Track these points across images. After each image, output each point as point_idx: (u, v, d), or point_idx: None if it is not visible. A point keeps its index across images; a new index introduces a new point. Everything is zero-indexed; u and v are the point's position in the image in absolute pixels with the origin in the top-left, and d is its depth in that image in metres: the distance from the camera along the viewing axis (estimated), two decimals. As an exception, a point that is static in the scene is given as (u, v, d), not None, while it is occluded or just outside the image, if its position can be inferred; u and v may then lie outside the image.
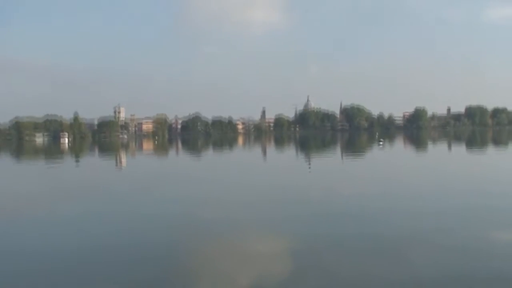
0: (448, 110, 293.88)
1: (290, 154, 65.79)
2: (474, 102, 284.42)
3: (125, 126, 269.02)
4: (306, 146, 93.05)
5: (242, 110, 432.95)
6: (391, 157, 55.49)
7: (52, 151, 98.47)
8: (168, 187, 29.32)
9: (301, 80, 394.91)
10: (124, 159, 66.07)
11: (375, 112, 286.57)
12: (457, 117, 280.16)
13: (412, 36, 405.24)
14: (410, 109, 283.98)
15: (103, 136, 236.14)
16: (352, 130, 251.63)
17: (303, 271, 11.51)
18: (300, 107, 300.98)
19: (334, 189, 26.37)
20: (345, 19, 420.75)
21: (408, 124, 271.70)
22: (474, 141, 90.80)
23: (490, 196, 21.56)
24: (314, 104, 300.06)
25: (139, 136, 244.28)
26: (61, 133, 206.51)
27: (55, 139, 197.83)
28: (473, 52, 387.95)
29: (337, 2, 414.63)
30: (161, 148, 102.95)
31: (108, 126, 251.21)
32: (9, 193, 29.03)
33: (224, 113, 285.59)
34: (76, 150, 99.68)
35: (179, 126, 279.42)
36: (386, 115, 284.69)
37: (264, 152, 75.79)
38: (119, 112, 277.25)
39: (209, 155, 66.27)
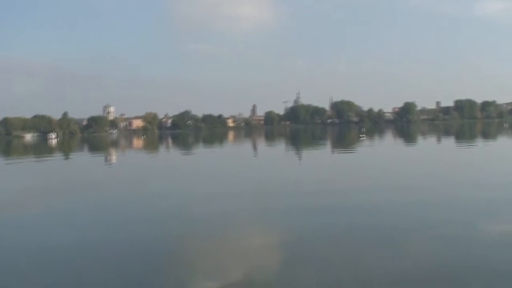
0: (438, 103, 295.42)
1: (280, 149, 65.77)
2: (463, 95, 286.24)
3: (114, 124, 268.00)
4: (296, 140, 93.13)
5: (233, 107, 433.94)
6: (376, 150, 55.52)
7: (39, 149, 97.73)
8: (158, 183, 29.16)
9: (291, 76, 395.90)
10: (113, 155, 65.69)
11: (365, 106, 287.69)
12: (446, 111, 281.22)
13: (401, 31, 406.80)
14: (399, 104, 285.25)
15: (92, 132, 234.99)
16: (342, 124, 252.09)
17: (297, 263, 11.52)
18: (291, 103, 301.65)
19: (324, 181, 26.37)
20: (334, 13, 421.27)
21: (398, 118, 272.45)
22: (462, 134, 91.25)
23: (474, 187, 21.75)
24: (305, 100, 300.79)
25: (129, 133, 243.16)
26: (49, 133, 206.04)
27: (44, 137, 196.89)
28: (463, 46, 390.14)
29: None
30: (151, 144, 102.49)
31: (97, 123, 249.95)
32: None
33: (214, 111, 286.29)
34: (64, 148, 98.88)
35: (169, 123, 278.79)
36: (375, 109, 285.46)
37: (255, 147, 75.70)
38: (108, 111, 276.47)
39: (200, 151, 66.06)
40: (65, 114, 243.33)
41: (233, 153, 61.55)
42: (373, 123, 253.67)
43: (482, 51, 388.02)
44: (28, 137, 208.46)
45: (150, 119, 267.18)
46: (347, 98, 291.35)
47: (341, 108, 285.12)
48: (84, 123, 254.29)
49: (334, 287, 10.01)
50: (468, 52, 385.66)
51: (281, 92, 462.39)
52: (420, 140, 75.76)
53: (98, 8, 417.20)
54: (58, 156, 68.29)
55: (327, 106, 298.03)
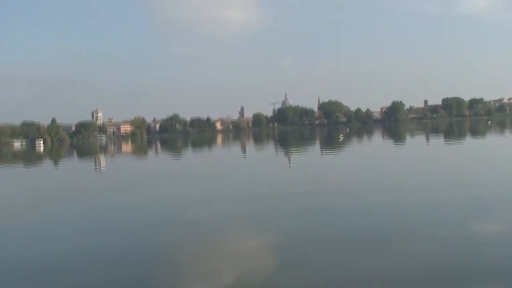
0: (425, 102, 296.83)
1: (269, 150, 65.79)
2: (451, 93, 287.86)
3: (103, 129, 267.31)
4: (284, 142, 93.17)
5: (220, 110, 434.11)
6: (361, 150, 55.73)
7: (25, 156, 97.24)
8: (148, 189, 29.00)
9: (279, 77, 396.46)
10: (103, 161, 65.43)
11: (353, 107, 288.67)
12: (434, 109, 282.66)
13: (387, 31, 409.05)
14: (387, 103, 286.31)
15: (81, 138, 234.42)
16: (330, 125, 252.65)
17: (290, 266, 11.49)
18: (279, 104, 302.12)
19: (313, 182, 26.41)
20: (320, 14, 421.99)
21: (386, 118, 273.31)
22: (449, 132, 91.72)
23: (464, 185, 21.85)
24: (292, 101, 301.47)
25: (118, 138, 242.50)
26: (37, 140, 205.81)
27: (33, 144, 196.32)
28: (449, 44, 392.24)
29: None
30: (140, 149, 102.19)
31: (86, 128, 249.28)
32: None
33: (202, 114, 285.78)
34: (52, 154, 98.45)
35: (157, 127, 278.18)
36: (363, 109, 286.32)
37: (244, 149, 75.69)
38: (97, 116, 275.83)
39: (189, 155, 65.93)
40: (53, 121, 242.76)
41: (221, 157, 61.46)
42: (361, 123, 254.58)
43: (468, 49, 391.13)
44: (17, 144, 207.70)
45: (138, 124, 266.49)
46: (335, 98, 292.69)
47: (329, 109, 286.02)
48: (73, 128, 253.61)
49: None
50: (454, 50, 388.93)
51: (269, 93, 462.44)
52: (403, 138, 76.11)
53: (84, 13, 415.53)
54: (41, 163, 67.80)
55: (315, 107, 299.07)
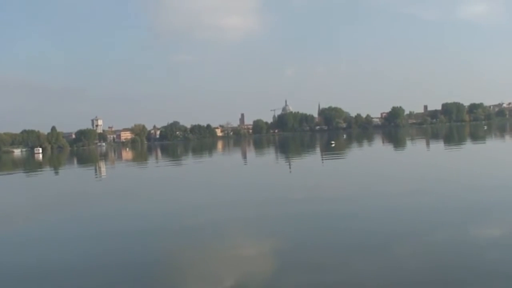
0: (425, 107, 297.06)
1: (270, 156, 65.74)
2: (450, 99, 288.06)
3: (103, 136, 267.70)
4: (285, 148, 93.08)
5: (221, 117, 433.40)
6: (358, 156, 55.78)
7: (22, 164, 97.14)
8: (150, 194, 28.97)
9: (279, 84, 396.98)
10: (102, 168, 65.36)
11: (353, 112, 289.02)
12: (434, 114, 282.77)
13: (386, 36, 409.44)
14: (387, 109, 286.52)
15: (81, 146, 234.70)
16: (330, 131, 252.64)
17: (290, 270, 11.52)
18: (279, 111, 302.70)
19: (313, 187, 26.42)
20: (319, 21, 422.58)
21: (386, 123, 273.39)
22: (447, 137, 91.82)
23: (462, 190, 21.89)
24: (293, 107, 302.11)
25: (118, 145, 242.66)
26: (35, 148, 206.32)
27: (33, 152, 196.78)
28: (448, 49, 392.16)
29: (309, 4, 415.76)
30: (140, 156, 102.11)
31: (86, 136, 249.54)
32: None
33: (202, 121, 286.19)
34: (50, 162, 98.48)
35: (158, 134, 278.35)
36: (363, 115, 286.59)
37: (245, 155, 75.66)
38: (97, 124, 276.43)
39: (190, 161, 65.88)
40: (53, 129, 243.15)
41: (222, 163, 61.45)
42: (361, 129, 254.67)
43: (467, 54, 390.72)
44: (17, 152, 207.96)
45: (139, 131, 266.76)
46: (335, 104, 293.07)
47: (329, 115, 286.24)
48: (73, 136, 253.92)
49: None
50: (454, 55, 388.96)
51: (270, 100, 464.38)
52: (403, 144, 76.07)
53: (83, 21, 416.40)
54: (38, 171, 67.71)
55: (315, 113, 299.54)
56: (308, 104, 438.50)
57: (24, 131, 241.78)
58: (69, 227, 19.14)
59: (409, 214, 16.81)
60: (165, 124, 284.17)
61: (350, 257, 12.26)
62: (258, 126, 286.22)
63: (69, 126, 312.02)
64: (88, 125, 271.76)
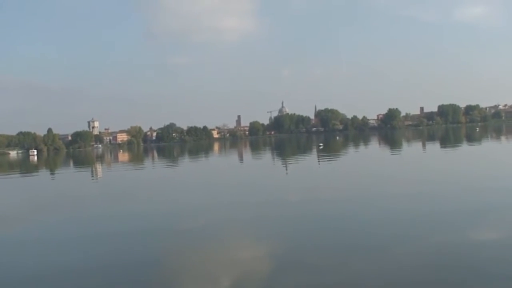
0: (421, 109, 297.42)
1: (266, 158, 65.74)
2: (447, 100, 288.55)
3: (99, 138, 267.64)
4: (280, 149, 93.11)
5: (217, 119, 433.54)
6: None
7: (19, 166, 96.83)
8: (146, 196, 28.95)
9: (275, 85, 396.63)
10: (98, 170, 65.21)
11: (349, 114, 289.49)
12: (430, 116, 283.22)
13: (383, 38, 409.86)
14: (384, 110, 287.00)
15: (77, 147, 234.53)
16: (327, 132, 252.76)
17: (288, 271, 11.52)
18: (276, 113, 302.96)
19: (310, 188, 26.43)
20: (316, 22, 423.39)
21: (382, 125, 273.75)
22: (443, 139, 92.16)
23: (459, 193, 21.92)
24: (289, 109, 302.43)
25: (114, 146, 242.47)
26: (30, 150, 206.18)
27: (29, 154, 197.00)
28: (445, 51, 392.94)
29: (307, 5, 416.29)
30: (136, 158, 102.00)
31: (82, 137, 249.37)
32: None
33: (199, 122, 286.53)
34: (44, 164, 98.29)
35: (154, 136, 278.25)
36: (360, 117, 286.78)
37: (241, 157, 75.64)
38: (93, 126, 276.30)
39: (186, 163, 65.88)
40: (49, 130, 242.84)
41: (218, 164, 61.45)
42: (358, 131, 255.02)
43: (464, 56, 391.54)
44: (13, 154, 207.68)
45: (135, 133, 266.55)
46: (331, 106, 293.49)
47: (326, 117, 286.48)
48: (69, 138, 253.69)
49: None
50: (451, 57, 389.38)
51: (266, 101, 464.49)
52: (398, 146, 76.17)
53: (81, 21, 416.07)
54: (30, 173, 67.50)
55: (312, 115, 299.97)
56: (304, 106, 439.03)
57: (20, 133, 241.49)
58: (66, 229, 19.07)
59: (407, 215, 16.81)
60: (161, 125, 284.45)
61: (349, 258, 12.26)
62: (254, 128, 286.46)
63: (66, 127, 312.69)
64: (85, 126, 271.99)
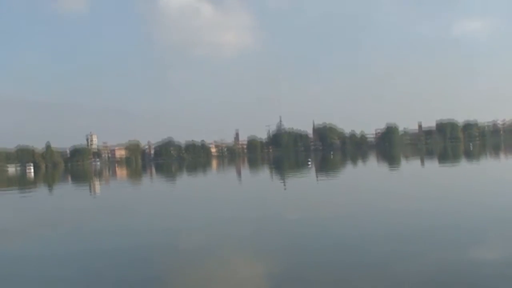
0: (419, 125, 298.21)
1: (264, 175, 65.76)
2: (445, 116, 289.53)
3: (98, 153, 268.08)
4: (279, 166, 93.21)
5: (215, 133, 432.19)
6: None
7: (14, 181, 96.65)
8: (145, 213, 28.92)
9: (273, 101, 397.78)
10: (97, 186, 65.11)
11: (347, 129, 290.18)
12: (428, 132, 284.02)
13: (381, 53, 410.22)
14: (382, 125, 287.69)
15: (76, 163, 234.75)
16: (325, 149, 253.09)
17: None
18: (273, 127, 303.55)
19: (309, 205, 26.42)
20: (315, 38, 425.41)
21: (381, 141, 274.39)
22: (441, 156, 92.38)
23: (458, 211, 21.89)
24: (287, 125, 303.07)
25: (113, 162, 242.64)
26: (27, 165, 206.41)
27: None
28: (442, 67, 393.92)
29: (306, 21, 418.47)
30: (135, 174, 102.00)
31: (80, 153, 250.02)
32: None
33: (197, 137, 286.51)
34: (40, 180, 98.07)
35: (152, 152, 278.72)
36: (358, 133, 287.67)
37: (239, 174, 75.63)
38: (91, 141, 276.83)
39: (184, 180, 65.85)
40: (48, 146, 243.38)
41: (216, 182, 61.40)
42: (356, 147, 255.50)
43: (462, 71, 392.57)
44: (11, 169, 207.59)
45: (133, 148, 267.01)
46: (329, 121, 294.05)
47: (324, 133, 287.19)
48: (68, 151, 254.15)
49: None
50: (448, 72, 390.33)
51: (264, 116, 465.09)
52: (396, 163, 76.31)
53: (79, 35, 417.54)
54: (22, 190, 67.39)
55: (310, 130, 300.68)
56: (302, 120, 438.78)
57: (18, 148, 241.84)
58: (63, 245, 19.00)
59: (407, 232, 16.79)
60: (159, 139, 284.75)
61: (348, 274, 12.23)
62: (252, 144, 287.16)
63: (64, 141, 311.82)
64: (83, 140, 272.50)
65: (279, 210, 26.19)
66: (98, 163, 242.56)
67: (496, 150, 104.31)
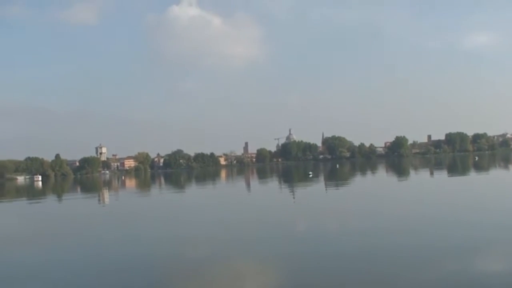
0: (429, 137, 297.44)
1: (273, 186, 65.76)
2: (454, 128, 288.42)
3: (107, 164, 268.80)
4: (287, 177, 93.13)
5: (224, 146, 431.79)
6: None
7: (21, 192, 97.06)
8: (154, 225, 29.00)
9: (283, 112, 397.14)
10: (106, 197, 65.34)
11: (356, 141, 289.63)
12: (437, 144, 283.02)
13: (390, 65, 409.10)
14: (391, 138, 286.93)
15: (85, 173, 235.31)
16: (334, 160, 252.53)
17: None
18: (283, 140, 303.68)
19: (317, 217, 26.50)
20: (323, 50, 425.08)
21: (390, 153, 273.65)
22: (450, 168, 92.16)
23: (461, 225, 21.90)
24: (296, 136, 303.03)
25: (122, 173, 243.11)
26: (35, 176, 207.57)
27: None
28: (452, 79, 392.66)
29: (315, 34, 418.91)
30: (143, 184, 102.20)
31: (90, 164, 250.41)
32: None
33: (206, 149, 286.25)
34: (47, 190, 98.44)
35: (161, 162, 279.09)
36: (367, 144, 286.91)
37: (248, 184, 75.66)
38: (101, 152, 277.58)
39: (193, 191, 65.95)
40: (57, 156, 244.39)
41: (224, 193, 61.39)
42: (365, 158, 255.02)
43: (472, 84, 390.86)
44: (21, 179, 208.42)
45: (142, 159, 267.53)
46: (339, 133, 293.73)
47: (333, 144, 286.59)
48: (77, 164, 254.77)
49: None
50: (458, 85, 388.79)
51: (274, 129, 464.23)
52: (405, 174, 76.21)
53: (87, 48, 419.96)
54: (25, 200, 67.68)
55: (319, 142, 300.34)
56: (312, 133, 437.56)
57: (28, 158, 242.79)
58: (69, 256, 19.18)
59: (410, 243, 16.86)
60: (169, 151, 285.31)
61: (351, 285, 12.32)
62: (261, 155, 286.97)
63: (74, 152, 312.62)
64: (92, 152, 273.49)
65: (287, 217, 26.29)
66: (108, 173, 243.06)
67: (504, 161, 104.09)
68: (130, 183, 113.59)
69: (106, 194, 69.99)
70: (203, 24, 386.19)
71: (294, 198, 42.36)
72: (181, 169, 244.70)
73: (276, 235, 20.89)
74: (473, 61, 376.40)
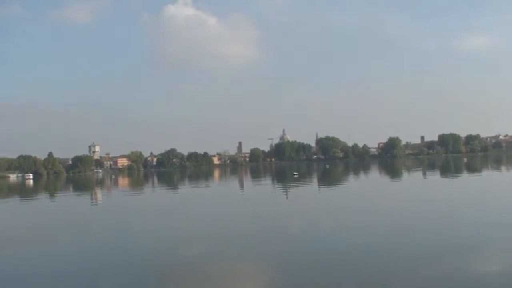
0: (422, 138, 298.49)
1: (266, 186, 65.75)
2: (447, 130, 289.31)
3: (100, 162, 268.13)
4: (280, 176, 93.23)
5: (218, 145, 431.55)
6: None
7: (12, 190, 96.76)
8: (147, 224, 28.88)
9: (277, 113, 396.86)
10: (98, 195, 65.17)
11: (350, 142, 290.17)
12: (430, 145, 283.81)
13: (385, 66, 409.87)
14: (384, 139, 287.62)
15: (78, 172, 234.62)
16: (327, 160, 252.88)
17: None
18: (277, 140, 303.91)
19: (310, 215, 26.53)
20: (318, 50, 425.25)
21: (383, 153, 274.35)
22: (442, 168, 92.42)
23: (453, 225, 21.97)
24: (290, 136, 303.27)
25: (115, 171, 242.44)
26: (26, 174, 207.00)
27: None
28: (445, 81, 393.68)
29: (309, 34, 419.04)
30: (136, 183, 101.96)
31: (82, 162, 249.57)
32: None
33: (199, 149, 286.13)
34: (38, 188, 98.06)
35: (154, 161, 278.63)
36: (360, 145, 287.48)
37: (241, 184, 75.64)
38: (94, 151, 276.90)
39: (186, 190, 65.85)
40: (50, 154, 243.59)
41: (218, 192, 61.38)
42: (358, 159, 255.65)
43: (466, 86, 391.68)
44: (13, 177, 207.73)
45: (135, 158, 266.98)
46: (332, 134, 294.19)
47: (326, 144, 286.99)
48: (70, 162, 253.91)
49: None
50: (452, 87, 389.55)
51: (267, 128, 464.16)
52: (397, 175, 76.42)
53: (83, 46, 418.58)
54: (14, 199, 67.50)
55: (312, 142, 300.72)
56: (305, 133, 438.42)
57: (20, 156, 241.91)
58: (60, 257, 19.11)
59: (404, 245, 16.89)
60: (162, 150, 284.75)
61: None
62: (255, 154, 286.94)
63: (67, 150, 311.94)
64: (85, 150, 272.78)
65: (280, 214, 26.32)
66: (100, 172, 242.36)
67: (496, 163, 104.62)
68: (123, 182, 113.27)
69: (99, 192, 69.72)
70: (198, 23, 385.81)
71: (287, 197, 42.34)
72: (174, 168, 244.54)
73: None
74: (468, 63, 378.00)
